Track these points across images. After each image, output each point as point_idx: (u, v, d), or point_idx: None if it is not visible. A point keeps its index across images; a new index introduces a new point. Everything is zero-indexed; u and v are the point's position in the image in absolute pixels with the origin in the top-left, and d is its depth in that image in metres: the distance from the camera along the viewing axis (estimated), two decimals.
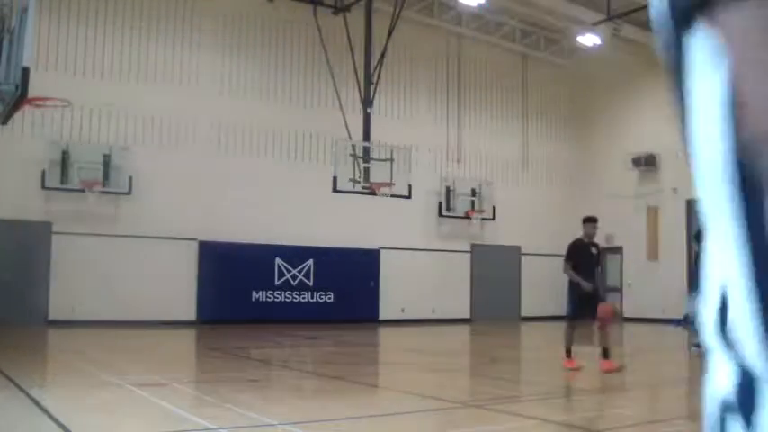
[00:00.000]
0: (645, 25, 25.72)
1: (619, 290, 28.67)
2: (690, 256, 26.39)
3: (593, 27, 24.99)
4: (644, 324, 25.78)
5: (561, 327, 25.37)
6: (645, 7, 23.43)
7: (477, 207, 26.88)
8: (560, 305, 28.90)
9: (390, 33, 21.78)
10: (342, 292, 24.18)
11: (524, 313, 27.99)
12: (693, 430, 7.21)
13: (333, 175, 20.23)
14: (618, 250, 28.79)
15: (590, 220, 12.19)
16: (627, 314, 27.85)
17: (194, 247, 22.16)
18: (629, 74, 28.20)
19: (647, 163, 27.46)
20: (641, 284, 27.43)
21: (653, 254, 27.58)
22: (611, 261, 29.14)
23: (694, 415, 8.14)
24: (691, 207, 26.54)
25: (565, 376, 11.94)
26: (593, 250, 12.06)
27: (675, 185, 26.68)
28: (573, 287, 12.13)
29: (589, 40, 26.16)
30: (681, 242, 26.70)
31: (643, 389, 10.53)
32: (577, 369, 11.59)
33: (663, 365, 14.17)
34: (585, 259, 11.88)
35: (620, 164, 28.13)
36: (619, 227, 28.44)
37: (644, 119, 27.94)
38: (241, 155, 23.20)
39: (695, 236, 15.58)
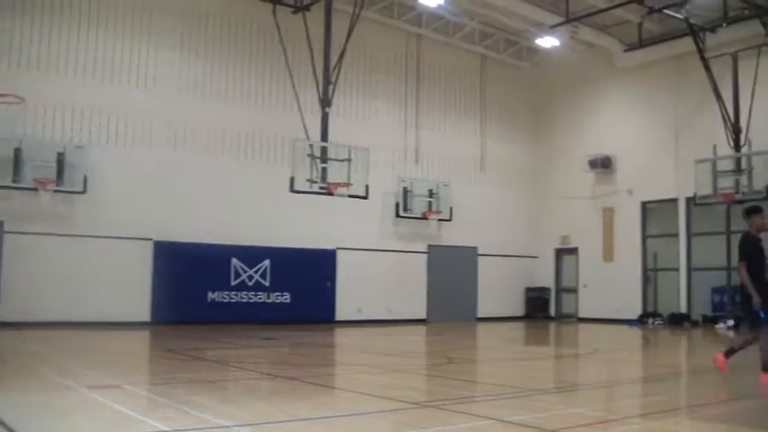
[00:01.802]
0: (603, 28, 26.01)
1: (575, 291, 28.96)
2: (643, 256, 26.79)
3: (551, 29, 25.17)
4: (599, 324, 26.03)
5: (517, 327, 25.63)
6: (603, 10, 23.72)
7: (434, 208, 26.90)
8: (516, 306, 29.23)
9: (350, 33, 21.74)
10: (298, 292, 24.10)
11: (481, 314, 28.11)
12: (648, 429, 7.28)
13: (290, 175, 20.15)
14: (574, 251, 29.06)
15: (758, 210, 10.68)
16: (583, 314, 28.14)
17: (149, 246, 21.91)
18: (587, 76, 28.50)
19: (603, 165, 27.72)
20: (597, 285, 27.72)
21: (608, 255, 27.85)
22: (567, 262, 29.44)
23: (649, 414, 8.22)
24: (645, 209, 26.88)
25: (521, 376, 11.98)
26: (762, 245, 10.52)
27: (631, 187, 26.99)
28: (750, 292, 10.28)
29: (548, 42, 26.36)
30: (636, 243, 27.04)
31: (598, 388, 10.61)
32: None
33: (618, 365, 14.30)
34: (758, 257, 10.36)
35: (577, 165, 28.39)
36: (575, 228, 28.77)
37: (601, 121, 28.28)
38: (198, 154, 22.98)
39: None
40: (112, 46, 21.93)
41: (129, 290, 21.35)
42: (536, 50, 28.81)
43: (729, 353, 10.73)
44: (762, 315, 10.14)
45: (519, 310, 29.72)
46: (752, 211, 10.63)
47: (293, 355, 15.73)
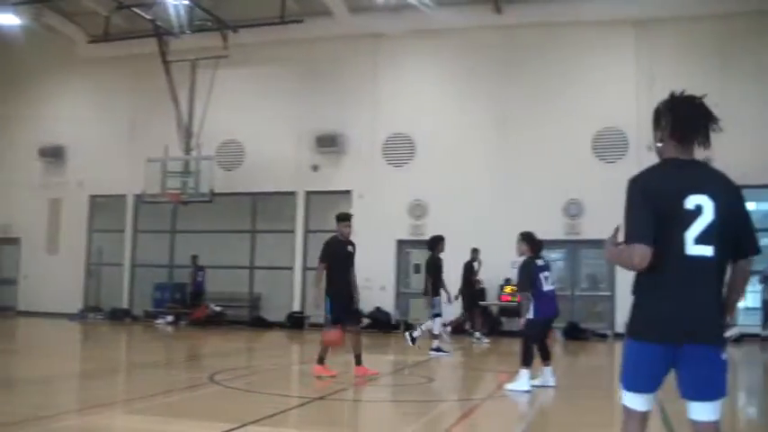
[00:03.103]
0: (69, 15, 25.31)
1: (15, 282, 27.57)
2: (88, 250, 26.62)
3: (15, 7, 23.57)
4: (40, 317, 25.08)
5: None
6: None
7: None
8: None
9: None
10: None
11: None
12: (83, 423, 7.25)
13: None
14: (16, 241, 27.71)
15: (344, 218, 11.40)
16: (23, 308, 26.93)
17: None
18: (48, 62, 27.34)
19: (54, 154, 26.92)
20: (39, 277, 26.67)
21: (53, 247, 27.08)
22: (7, 252, 27.99)
23: (85, 408, 8.18)
24: (94, 202, 26.70)
25: None
26: (350, 249, 11.27)
27: (81, 179, 26.55)
28: (331, 291, 11.04)
29: (7, 19, 24.52)
30: (82, 236, 26.71)
31: (34, 384, 10.27)
32: (334, 376, 10.81)
33: (56, 359, 13.99)
34: (342, 259, 11.08)
35: (27, 152, 27.11)
36: (18, 217, 27.44)
37: (58, 109, 27.34)
38: None
39: None
40: None
41: None
42: None
43: (321, 360, 11.03)
44: (329, 315, 11.05)
45: None
46: (339, 219, 11.44)
47: None
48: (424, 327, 15.68)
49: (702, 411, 3.73)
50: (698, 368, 3.69)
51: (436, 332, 15.66)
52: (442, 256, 15.77)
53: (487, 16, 22.34)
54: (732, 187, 3.82)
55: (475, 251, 19.36)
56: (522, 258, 10.41)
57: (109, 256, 26.57)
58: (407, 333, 15.56)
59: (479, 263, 19.44)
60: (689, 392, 3.75)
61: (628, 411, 3.87)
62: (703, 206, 3.67)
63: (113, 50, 25.61)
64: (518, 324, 10.13)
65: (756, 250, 3.88)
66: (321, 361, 10.96)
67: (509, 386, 10.03)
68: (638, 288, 3.81)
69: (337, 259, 11.12)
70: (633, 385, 3.82)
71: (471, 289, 19.43)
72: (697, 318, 3.65)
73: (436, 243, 15.69)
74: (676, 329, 3.65)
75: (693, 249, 3.65)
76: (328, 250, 11.19)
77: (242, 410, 8.12)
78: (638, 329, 3.79)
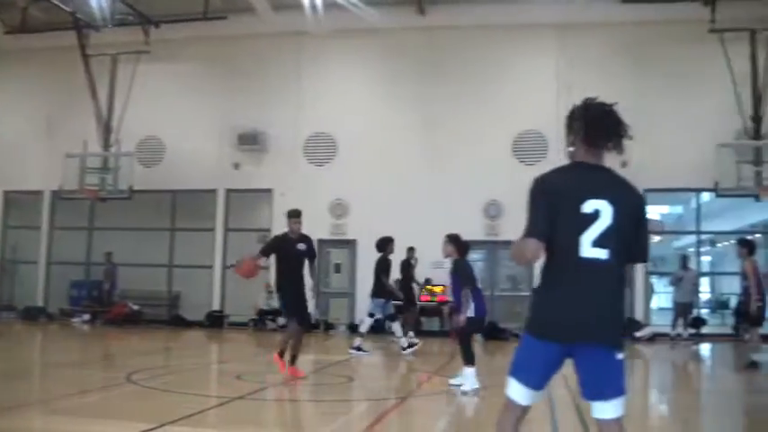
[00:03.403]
0: None
1: None
2: (2, 246, 25.95)
3: None
4: None
5: None
6: None
7: None
8: None
9: None
10: None
11: None
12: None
13: None
14: None
15: (294, 215, 11.46)
16: None
17: None
18: None
19: None
20: None
21: None
22: None
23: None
24: (9, 197, 26.03)
25: None
26: (300, 246, 11.31)
27: None
28: (281, 288, 11.34)
29: None
30: None
31: None
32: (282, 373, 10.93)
33: None
34: (290, 257, 11.22)
35: None
36: None
37: None
38: None
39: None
40: None
41: None
42: None
43: (282, 353, 11.13)
44: (283, 308, 11.56)
45: None
46: (289, 215, 11.54)
47: None
48: (397, 333, 15.74)
49: (603, 410, 3.87)
50: (594, 368, 3.83)
51: (363, 330, 15.71)
52: (391, 257, 15.97)
53: (411, 17, 22.53)
54: (635, 194, 3.95)
55: (411, 249, 19.30)
56: (449, 259, 10.54)
57: (24, 252, 25.91)
58: (404, 351, 15.44)
59: (416, 260, 19.43)
60: (588, 392, 3.89)
61: (510, 403, 3.98)
62: (601, 210, 3.79)
63: (31, 42, 25.00)
64: (458, 322, 10.18)
65: (645, 260, 4.06)
66: (282, 354, 11.10)
67: (463, 387, 9.99)
68: (539, 286, 3.93)
69: (286, 256, 11.31)
70: (522, 378, 3.92)
71: (410, 287, 19.42)
72: (590, 318, 3.77)
73: (386, 244, 15.79)
74: (569, 329, 3.77)
75: (588, 252, 3.77)
76: (272, 244, 11.61)
77: (160, 410, 8.06)
78: (533, 326, 3.91)
